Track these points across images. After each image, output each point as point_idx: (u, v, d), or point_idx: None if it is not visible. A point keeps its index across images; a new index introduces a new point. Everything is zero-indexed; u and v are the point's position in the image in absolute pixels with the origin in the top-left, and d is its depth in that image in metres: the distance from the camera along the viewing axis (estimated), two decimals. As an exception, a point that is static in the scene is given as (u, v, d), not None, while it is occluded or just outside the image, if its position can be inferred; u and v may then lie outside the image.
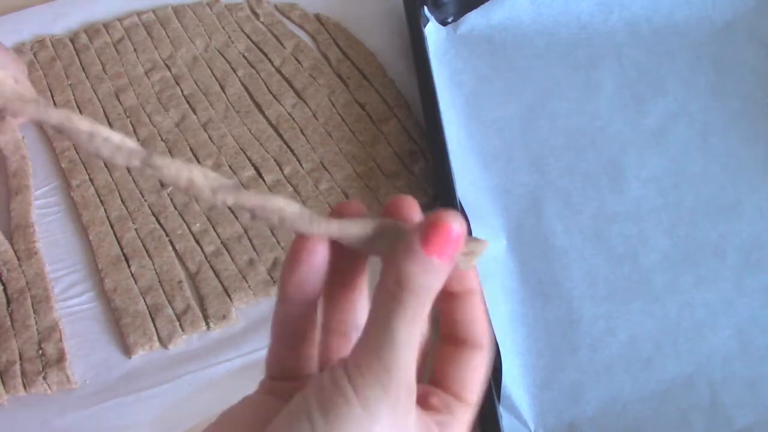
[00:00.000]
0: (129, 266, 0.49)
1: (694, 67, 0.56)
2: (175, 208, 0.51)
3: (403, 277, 0.22)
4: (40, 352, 0.45)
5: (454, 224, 0.23)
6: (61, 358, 0.44)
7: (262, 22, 0.62)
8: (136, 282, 0.48)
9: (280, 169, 0.53)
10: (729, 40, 0.57)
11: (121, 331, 0.46)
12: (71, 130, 0.25)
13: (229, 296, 0.47)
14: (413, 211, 0.25)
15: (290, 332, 0.26)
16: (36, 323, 0.46)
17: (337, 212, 0.25)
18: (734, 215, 0.48)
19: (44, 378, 0.44)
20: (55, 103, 0.57)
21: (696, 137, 0.52)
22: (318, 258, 0.24)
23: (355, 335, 0.26)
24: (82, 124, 0.25)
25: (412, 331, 0.22)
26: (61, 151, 0.55)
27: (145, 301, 0.47)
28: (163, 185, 0.52)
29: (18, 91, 0.25)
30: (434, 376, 0.26)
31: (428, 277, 0.22)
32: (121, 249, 0.49)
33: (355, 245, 0.25)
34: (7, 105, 0.25)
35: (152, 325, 0.46)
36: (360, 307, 0.26)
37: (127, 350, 0.45)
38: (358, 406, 0.22)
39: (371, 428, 0.21)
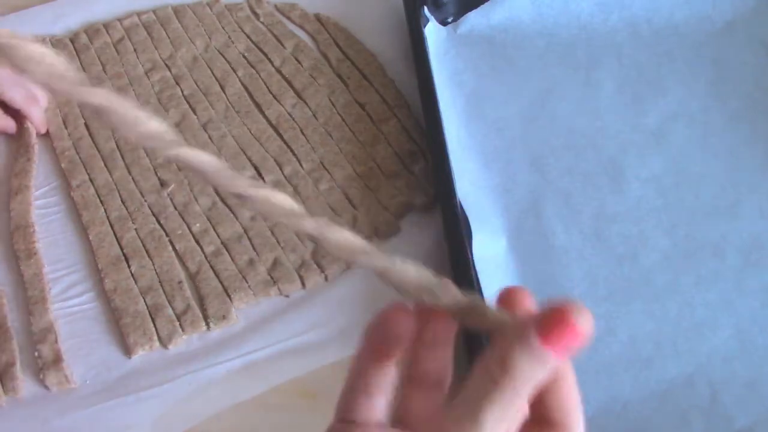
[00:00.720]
0: (129, 266, 0.49)
1: (694, 67, 0.56)
2: (175, 209, 0.51)
3: (510, 364, 0.21)
4: (36, 354, 0.45)
5: (582, 321, 0.21)
6: (57, 359, 0.44)
7: (262, 22, 0.62)
8: (136, 282, 0.48)
9: (280, 169, 0.53)
10: (729, 40, 0.57)
11: (121, 331, 0.46)
12: (111, 114, 0.24)
13: (229, 296, 0.47)
14: (527, 302, 0.24)
15: (368, 382, 0.25)
16: (32, 324, 0.46)
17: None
18: (734, 215, 0.48)
19: (42, 379, 0.44)
20: (56, 105, 0.57)
21: (696, 137, 0.52)
22: (408, 322, 0.24)
23: (437, 391, 0.25)
24: (124, 107, 0.24)
25: (503, 418, 0.21)
26: (61, 151, 0.55)
27: (145, 301, 0.47)
28: (163, 185, 0.52)
29: (59, 68, 0.24)
30: None
31: (536, 369, 0.21)
32: (121, 249, 0.49)
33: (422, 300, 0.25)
34: (47, 82, 0.25)
35: (152, 325, 0.46)
36: (446, 363, 0.25)
37: (127, 350, 0.45)
38: None
39: None
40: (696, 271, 0.46)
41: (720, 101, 0.54)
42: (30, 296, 0.47)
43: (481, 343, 0.40)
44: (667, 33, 0.57)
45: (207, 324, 0.46)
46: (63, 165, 0.54)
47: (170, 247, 0.49)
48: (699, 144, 0.52)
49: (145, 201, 0.52)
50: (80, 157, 0.54)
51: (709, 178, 0.50)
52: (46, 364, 0.44)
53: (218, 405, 0.44)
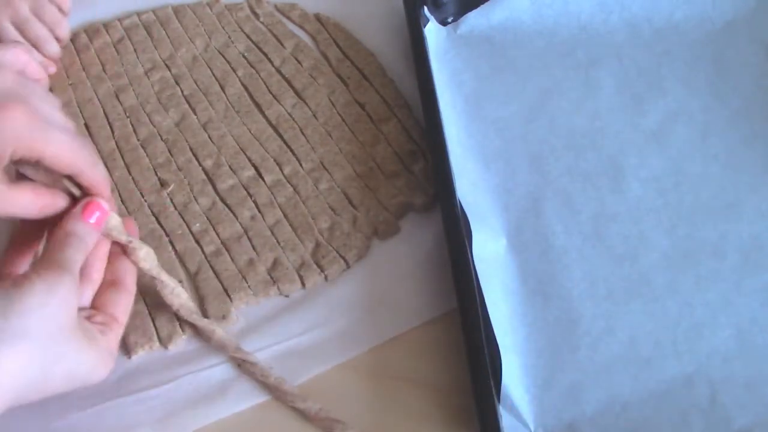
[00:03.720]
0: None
1: (694, 67, 0.56)
2: (175, 209, 0.51)
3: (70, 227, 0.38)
4: None
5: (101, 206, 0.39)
6: None
7: (262, 22, 0.62)
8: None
9: (280, 169, 0.53)
10: (729, 40, 0.57)
11: (121, 331, 0.46)
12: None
13: (228, 296, 0.47)
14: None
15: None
16: None
17: None
18: (734, 215, 0.48)
19: None
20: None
21: (696, 137, 0.52)
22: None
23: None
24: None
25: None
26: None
27: (144, 300, 0.47)
28: (163, 185, 0.52)
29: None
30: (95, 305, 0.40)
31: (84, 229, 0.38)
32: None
33: None
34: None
35: (152, 325, 0.46)
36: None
37: (127, 350, 0.45)
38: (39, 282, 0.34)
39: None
40: (696, 271, 0.46)
41: (720, 101, 0.54)
42: None
43: (481, 349, 0.41)
44: (667, 33, 0.57)
45: (207, 324, 0.46)
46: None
47: (170, 248, 0.49)
48: (699, 144, 0.52)
49: (145, 201, 0.52)
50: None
51: (708, 178, 0.50)
52: None
53: (219, 406, 0.44)
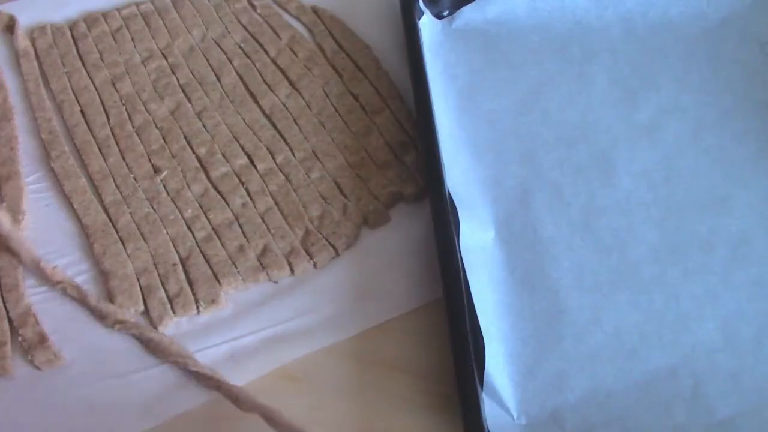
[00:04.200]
0: (125, 249, 0.49)
1: (688, 63, 0.56)
2: (168, 194, 0.51)
3: None
4: (20, 338, 0.45)
5: None
6: (42, 339, 0.44)
7: (259, 14, 0.63)
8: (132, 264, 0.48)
9: (273, 157, 0.53)
10: (723, 36, 0.57)
11: (111, 314, 0.46)
12: None
13: (218, 281, 0.47)
14: None
15: None
16: (8, 312, 0.46)
17: None
18: (724, 210, 0.48)
19: (31, 360, 0.44)
20: (51, 91, 0.58)
21: (688, 132, 0.52)
22: None
23: None
24: None
25: None
26: (49, 131, 0.55)
27: (139, 283, 0.47)
28: (156, 171, 0.53)
29: None
30: None
31: None
32: (117, 232, 0.50)
33: None
34: None
35: (144, 307, 0.46)
36: None
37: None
38: None
39: None
40: (683, 264, 0.46)
41: (713, 97, 0.54)
42: (4, 283, 0.47)
43: (465, 337, 0.41)
44: (662, 29, 0.57)
45: (197, 307, 0.46)
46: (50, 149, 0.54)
47: (164, 231, 0.50)
48: (690, 139, 0.52)
49: (139, 186, 0.52)
50: (75, 144, 0.54)
51: (699, 173, 0.50)
52: (31, 345, 0.44)
53: (204, 391, 0.44)
